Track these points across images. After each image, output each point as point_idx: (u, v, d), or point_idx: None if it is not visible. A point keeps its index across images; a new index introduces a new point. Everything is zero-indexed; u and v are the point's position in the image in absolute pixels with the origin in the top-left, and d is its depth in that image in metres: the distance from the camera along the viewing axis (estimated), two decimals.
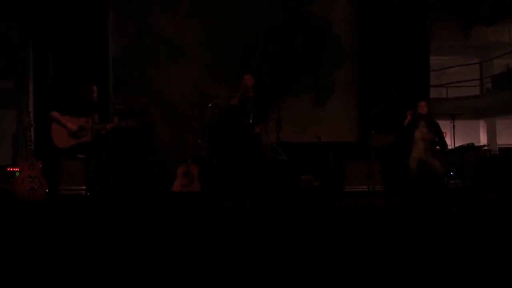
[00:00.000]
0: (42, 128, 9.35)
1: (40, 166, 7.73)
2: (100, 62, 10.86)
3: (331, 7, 11.76)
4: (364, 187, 8.82)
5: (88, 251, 5.97)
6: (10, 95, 14.43)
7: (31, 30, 11.42)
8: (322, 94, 11.65)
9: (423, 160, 8.24)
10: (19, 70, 13.31)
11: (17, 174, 7.92)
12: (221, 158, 8.56)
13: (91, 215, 6.81)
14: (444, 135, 8.60)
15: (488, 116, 19.27)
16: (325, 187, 9.63)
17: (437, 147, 8.34)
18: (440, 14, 14.69)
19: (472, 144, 8.48)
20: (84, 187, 8.14)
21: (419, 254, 5.96)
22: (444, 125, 8.54)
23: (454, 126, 8.28)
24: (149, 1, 11.27)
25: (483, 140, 19.59)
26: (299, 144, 10.60)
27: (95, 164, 7.80)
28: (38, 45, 11.09)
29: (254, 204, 7.29)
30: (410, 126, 8.42)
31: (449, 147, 8.73)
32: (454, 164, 8.72)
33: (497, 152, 14.17)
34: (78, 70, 10.36)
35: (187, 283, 5.53)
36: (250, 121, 8.07)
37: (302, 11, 11.59)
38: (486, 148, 13.52)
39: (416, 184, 8.06)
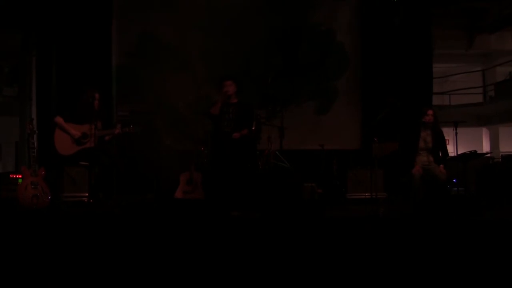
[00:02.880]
0: (45, 135, 9.39)
1: (43, 173, 7.75)
2: (104, 70, 10.88)
3: (335, 16, 11.76)
4: (366, 194, 8.82)
5: (91, 258, 5.97)
6: (13, 103, 14.46)
7: (35, 39, 11.47)
8: (326, 102, 11.66)
9: (426, 168, 8.21)
10: (22, 77, 13.35)
11: (20, 181, 7.94)
12: (213, 166, 8.44)
13: (94, 222, 6.82)
14: (447, 142, 8.59)
15: (491, 123, 19.26)
16: (328, 195, 9.62)
17: (440, 154, 8.32)
18: (443, 22, 14.73)
19: (475, 151, 8.46)
20: (87, 194, 8.14)
21: (421, 261, 5.95)
22: (447, 133, 8.53)
23: (457, 134, 8.26)
24: (152, 10, 11.27)
25: (485, 147, 19.58)
26: (302, 151, 10.62)
27: (98, 171, 7.82)
28: (42, 53, 11.13)
29: (242, 213, 7.29)
30: (413, 134, 8.39)
31: (452, 155, 8.72)
32: (457, 172, 8.71)
33: (500, 159, 14.14)
34: (81, 77, 10.38)
35: None
36: (229, 128, 7.95)
37: (306, 19, 11.61)
38: (488, 155, 13.50)
39: (420, 192, 8.02)
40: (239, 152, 7.96)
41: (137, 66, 11.06)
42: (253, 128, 8.22)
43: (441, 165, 8.19)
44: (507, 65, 18.05)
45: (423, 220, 6.81)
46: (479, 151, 8.72)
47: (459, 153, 8.46)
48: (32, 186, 7.58)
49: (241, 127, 7.94)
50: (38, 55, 11.34)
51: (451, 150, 8.66)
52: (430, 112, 8.41)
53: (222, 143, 7.91)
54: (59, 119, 7.87)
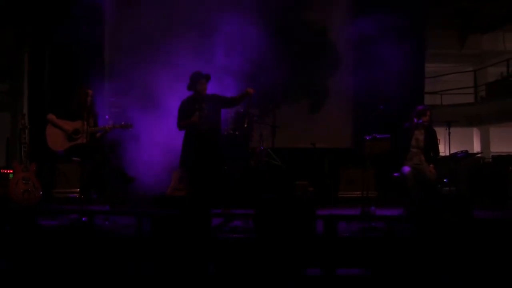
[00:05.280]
0: (37, 131, 9.36)
1: (35, 168, 7.72)
2: (96, 66, 10.86)
3: (329, 14, 11.79)
4: (358, 193, 8.84)
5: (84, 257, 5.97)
6: (4, 98, 14.40)
7: (28, 34, 11.43)
8: (318, 101, 11.67)
9: (417, 168, 8.19)
10: (14, 73, 13.30)
11: (11, 176, 7.92)
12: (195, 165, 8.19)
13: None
14: (439, 142, 8.59)
15: (482, 123, 19.31)
16: (320, 193, 9.64)
17: (431, 154, 8.31)
18: (436, 22, 14.78)
19: (466, 151, 8.48)
20: (79, 190, 8.12)
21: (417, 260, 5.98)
22: (439, 132, 8.54)
23: (449, 134, 8.28)
24: (145, 7, 11.23)
25: (476, 147, 19.64)
26: (294, 150, 10.63)
27: (90, 167, 7.78)
28: (34, 49, 11.11)
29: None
30: (407, 133, 8.36)
31: (444, 154, 8.74)
32: (448, 171, 8.73)
33: (491, 159, 14.22)
34: (73, 74, 10.36)
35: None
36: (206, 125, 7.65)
37: (299, 17, 11.61)
38: (479, 155, 13.56)
39: (414, 192, 7.99)
40: (221, 147, 7.90)
41: (130, 62, 11.03)
42: (246, 126, 8.19)
43: (431, 165, 8.19)
44: (498, 66, 18.11)
45: (417, 219, 6.82)
46: (470, 151, 8.75)
47: (450, 152, 8.48)
48: (24, 182, 7.56)
49: (219, 118, 7.87)
50: (30, 50, 11.31)
51: (443, 150, 8.68)
52: (428, 113, 8.36)
53: (204, 142, 7.71)
54: (51, 116, 7.83)
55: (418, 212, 6.98)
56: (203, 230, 6.22)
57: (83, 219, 6.92)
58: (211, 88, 8.02)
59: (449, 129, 8.32)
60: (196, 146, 7.58)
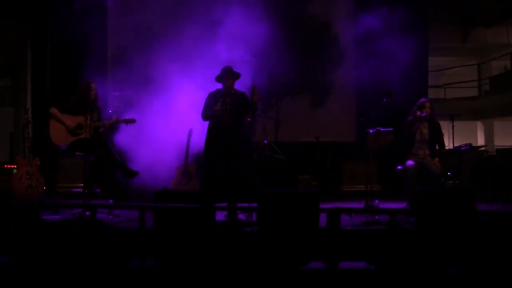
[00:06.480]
0: (40, 126, 9.36)
1: (38, 163, 7.72)
2: (99, 61, 10.83)
3: (331, 9, 11.77)
4: (361, 187, 8.82)
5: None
6: (7, 93, 14.43)
7: (30, 28, 11.42)
8: (321, 95, 11.66)
9: (421, 162, 8.15)
10: (17, 68, 13.31)
11: (15, 171, 7.91)
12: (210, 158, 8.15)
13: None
14: (442, 135, 8.56)
15: (486, 117, 19.30)
16: (323, 187, 9.63)
17: (437, 147, 8.28)
18: (439, 15, 14.75)
19: (470, 144, 8.45)
20: (82, 184, 8.11)
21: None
22: (442, 126, 8.52)
23: (453, 127, 8.25)
24: (149, 0, 11.22)
25: (480, 141, 19.63)
26: (297, 143, 10.62)
27: (93, 162, 7.77)
28: (37, 44, 11.09)
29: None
30: (412, 127, 8.31)
31: (448, 148, 8.71)
32: (453, 165, 8.70)
33: (494, 153, 14.20)
34: (76, 68, 10.35)
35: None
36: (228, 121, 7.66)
37: (303, 12, 11.59)
38: (483, 149, 13.54)
39: (414, 185, 7.96)
40: (238, 144, 7.87)
41: (133, 56, 11.01)
42: (249, 120, 8.16)
43: (436, 158, 8.16)
44: (502, 59, 18.09)
45: (420, 212, 6.81)
46: (473, 145, 8.71)
47: (454, 146, 8.45)
48: (27, 176, 7.56)
49: (241, 117, 7.86)
50: (33, 46, 11.30)
51: (446, 143, 8.66)
52: (428, 104, 8.30)
53: (222, 135, 7.70)
54: (54, 110, 7.81)
55: (421, 205, 6.97)
56: (207, 224, 6.22)
57: (86, 213, 6.94)
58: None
59: (452, 122, 8.27)
60: (214, 138, 7.63)
